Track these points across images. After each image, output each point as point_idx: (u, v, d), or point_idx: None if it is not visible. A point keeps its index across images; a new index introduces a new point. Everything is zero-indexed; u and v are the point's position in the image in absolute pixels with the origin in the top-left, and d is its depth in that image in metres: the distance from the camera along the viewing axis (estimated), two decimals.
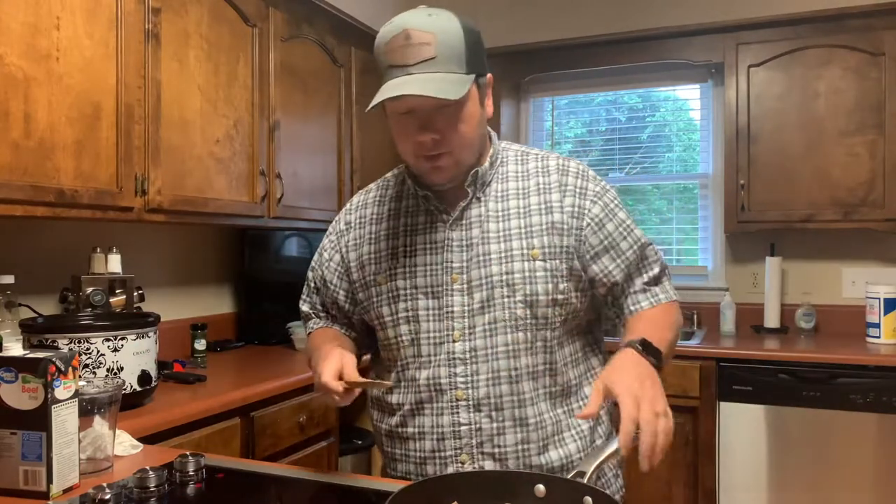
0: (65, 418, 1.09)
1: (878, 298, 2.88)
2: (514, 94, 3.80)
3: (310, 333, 1.42)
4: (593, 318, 1.34)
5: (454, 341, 1.22)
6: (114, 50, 1.93)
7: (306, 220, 2.81)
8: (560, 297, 1.22)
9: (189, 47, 2.20)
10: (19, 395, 1.06)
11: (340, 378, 1.11)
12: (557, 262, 1.23)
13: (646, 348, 1.10)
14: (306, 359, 1.36)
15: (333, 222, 1.41)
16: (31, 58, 1.72)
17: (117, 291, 2.20)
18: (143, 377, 1.80)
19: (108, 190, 1.92)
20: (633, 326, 1.23)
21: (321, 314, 1.40)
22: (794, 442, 2.70)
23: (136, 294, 2.27)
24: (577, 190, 1.26)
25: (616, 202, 1.29)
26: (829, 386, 2.64)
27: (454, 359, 1.22)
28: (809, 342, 2.96)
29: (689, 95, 3.62)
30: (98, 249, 2.21)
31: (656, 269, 1.29)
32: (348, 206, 1.41)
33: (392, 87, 1.12)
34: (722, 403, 2.79)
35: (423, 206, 1.28)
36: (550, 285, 1.22)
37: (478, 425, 1.21)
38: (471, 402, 1.21)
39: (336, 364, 1.12)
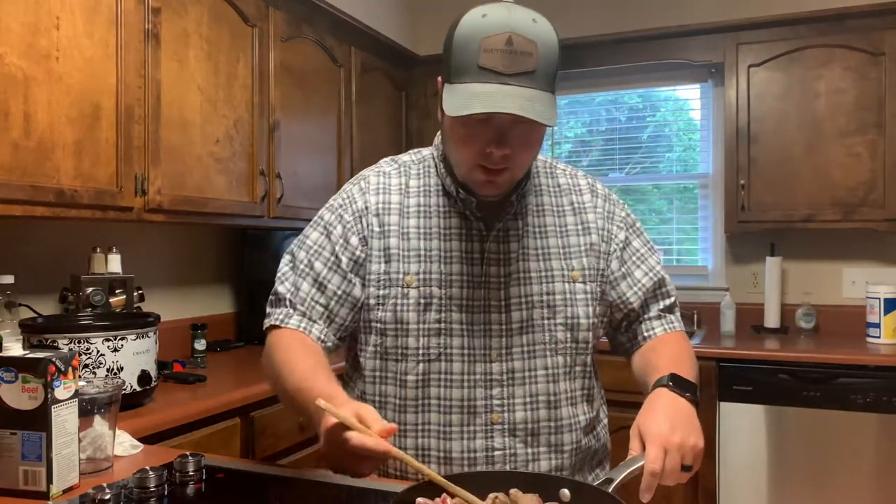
0: (65, 418, 1.09)
1: (879, 298, 2.88)
2: None
3: (275, 328, 1.18)
4: (596, 344, 1.31)
5: (492, 361, 1.16)
6: (113, 50, 1.93)
7: (306, 220, 2.79)
8: (595, 320, 1.21)
9: (189, 47, 2.20)
10: (19, 395, 1.06)
11: None
12: (595, 284, 1.21)
13: (677, 384, 1.06)
14: (274, 379, 1.14)
15: (341, 199, 1.23)
16: (31, 58, 1.72)
17: (117, 291, 2.20)
18: (143, 377, 1.80)
19: (108, 190, 1.92)
20: (655, 361, 1.18)
21: (299, 305, 1.18)
22: (794, 442, 2.69)
23: (136, 294, 2.27)
24: (606, 213, 1.26)
25: (637, 227, 1.29)
26: (829, 386, 2.64)
27: (491, 380, 1.15)
28: (809, 342, 2.96)
29: (689, 95, 3.61)
30: (98, 249, 2.21)
31: (671, 299, 1.28)
32: (362, 184, 1.24)
33: (488, 97, 1.00)
34: (722, 403, 2.78)
35: (457, 209, 1.19)
36: (590, 308, 1.19)
37: (513, 450, 1.15)
38: (506, 427, 1.15)
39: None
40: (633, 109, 3.74)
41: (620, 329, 1.29)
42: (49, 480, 1.07)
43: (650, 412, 1.03)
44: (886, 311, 2.87)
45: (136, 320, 1.87)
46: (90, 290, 2.10)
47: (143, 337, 1.81)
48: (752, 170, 3.07)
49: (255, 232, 2.89)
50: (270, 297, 1.23)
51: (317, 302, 1.18)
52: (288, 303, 1.19)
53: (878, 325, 2.89)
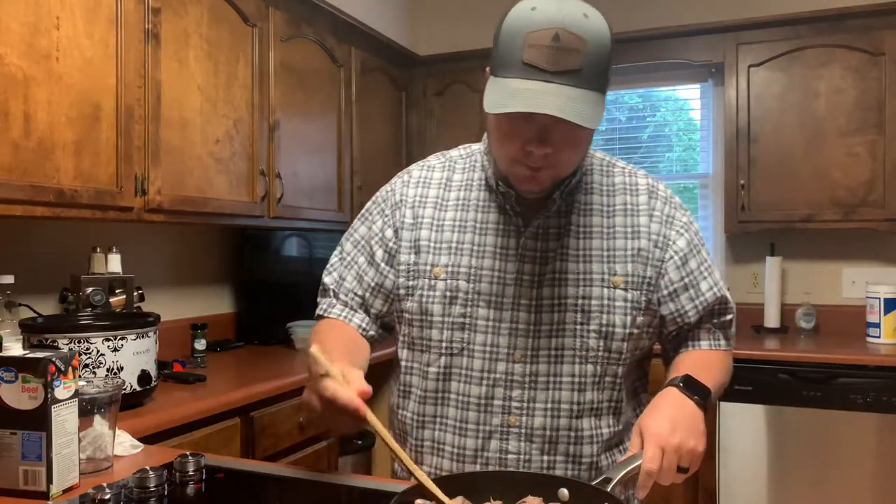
0: (65, 418, 1.09)
1: (879, 298, 2.88)
2: None
3: (320, 317, 1.27)
4: (646, 354, 1.24)
5: (515, 362, 1.12)
6: (114, 50, 1.93)
7: (306, 220, 2.81)
8: (635, 331, 1.13)
9: (189, 47, 2.20)
10: (19, 395, 1.06)
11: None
12: (638, 293, 1.13)
13: (688, 386, 1.05)
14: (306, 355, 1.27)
15: (385, 192, 1.26)
16: (31, 58, 1.72)
17: (117, 291, 2.20)
18: (143, 377, 1.80)
19: (108, 190, 1.92)
20: (680, 364, 1.16)
21: (342, 295, 1.25)
22: (794, 442, 2.69)
23: (136, 294, 2.27)
24: (665, 217, 1.18)
25: (700, 237, 1.21)
26: (829, 386, 2.64)
27: (512, 381, 1.12)
28: (809, 342, 2.96)
29: (689, 95, 3.61)
30: (98, 249, 2.21)
31: (728, 317, 1.22)
32: (405, 177, 1.26)
33: (528, 95, 0.97)
34: (722, 403, 2.78)
35: (497, 204, 1.17)
36: (629, 318, 1.12)
37: (527, 456, 1.12)
38: (523, 431, 1.12)
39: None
40: (633, 109, 3.74)
41: (668, 338, 1.23)
42: (49, 480, 1.07)
43: (654, 411, 1.02)
44: (886, 311, 2.87)
45: (136, 320, 1.87)
46: (90, 290, 2.10)
47: (143, 337, 1.81)
48: (752, 170, 3.07)
49: (255, 232, 2.89)
50: (320, 287, 1.30)
51: (356, 294, 1.25)
52: (332, 293, 1.27)
53: (878, 325, 2.89)
